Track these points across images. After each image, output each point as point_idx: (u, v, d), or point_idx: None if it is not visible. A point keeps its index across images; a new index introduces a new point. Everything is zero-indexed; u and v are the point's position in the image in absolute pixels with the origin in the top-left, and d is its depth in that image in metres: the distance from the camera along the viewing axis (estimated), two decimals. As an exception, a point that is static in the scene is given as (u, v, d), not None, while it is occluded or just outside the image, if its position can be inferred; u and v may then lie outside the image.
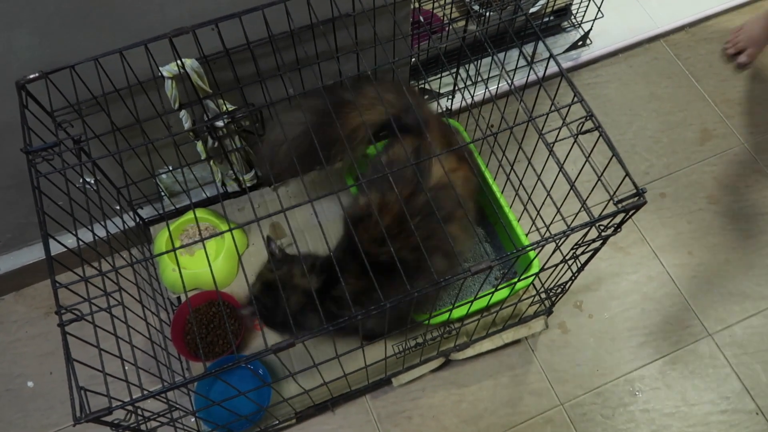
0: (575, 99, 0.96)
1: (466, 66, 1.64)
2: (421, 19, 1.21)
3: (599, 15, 1.74)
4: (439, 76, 1.66)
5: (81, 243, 0.95)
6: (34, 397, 1.40)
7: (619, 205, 0.88)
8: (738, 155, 1.67)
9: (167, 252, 0.87)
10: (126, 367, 0.95)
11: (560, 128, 0.96)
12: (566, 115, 0.96)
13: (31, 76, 0.96)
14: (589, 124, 0.93)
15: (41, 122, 0.99)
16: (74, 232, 0.91)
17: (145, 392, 0.80)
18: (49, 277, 0.82)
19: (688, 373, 1.40)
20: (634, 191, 0.88)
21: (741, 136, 1.70)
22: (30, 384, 1.42)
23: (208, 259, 0.88)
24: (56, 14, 0.97)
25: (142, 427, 0.90)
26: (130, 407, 0.80)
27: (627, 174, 0.90)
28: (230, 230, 0.87)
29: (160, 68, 1.09)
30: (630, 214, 0.90)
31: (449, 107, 1.63)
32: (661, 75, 1.81)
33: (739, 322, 1.46)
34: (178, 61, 1.07)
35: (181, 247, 0.85)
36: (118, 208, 1.33)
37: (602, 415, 1.36)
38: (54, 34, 1.00)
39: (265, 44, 1.14)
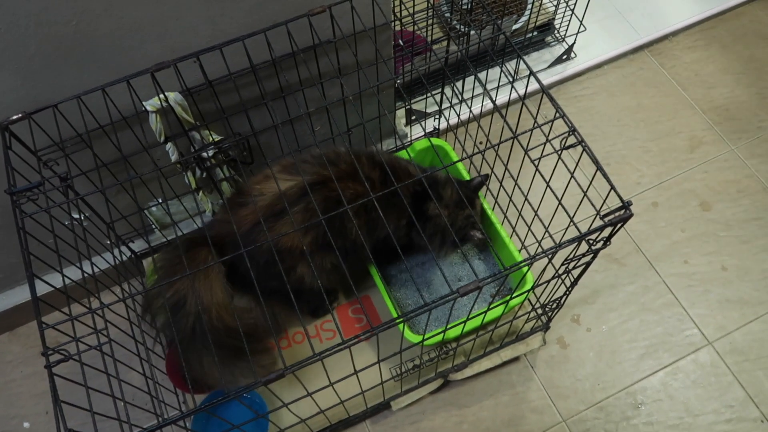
0: (557, 114, 0.96)
1: (452, 85, 1.65)
2: (401, 42, 1.21)
3: (582, 29, 1.75)
4: (424, 96, 1.66)
5: (68, 281, 0.95)
6: (30, 438, 1.39)
7: (606, 219, 0.87)
8: (728, 161, 1.67)
9: (154, 288, 0.86)
10: (120, 405, 0.94)
11: (544, 145, 0.96)
12: (550, 131, 0.96)
13: (14, 117, 0.96)
14: (572, 139, 0.94)
15: (26, 162, 0.99)
16: (60, 270, 0.91)
17: (139, 430, 0.79)
18: (36, 319, 0.81)
19: (690, 383, 1.39)
20: (621, 204, 0.88)
21: (730, 142, 1.70)
22: (26, 425, 1.40)
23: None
24: (37, 55, 0.97)
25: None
26: (121, 447, 0.79)
27: (612, 188, 0.90)
28: (217, 262, 0.87)
29: (144, 103, 1.10)
30: (618, 227, 0.90)
31: (437, 127, 1.63)
32: (648, 85, 1.82)
33: (739, 329, 1.44)
34: (161, 95, 1.07)
35: (168, 282, 0.85)
36: (108, 243, 1.33)
37: (605, 430, 1.34)
38: (36, 74, 1.00)
39: (248, 74, 1.15)
